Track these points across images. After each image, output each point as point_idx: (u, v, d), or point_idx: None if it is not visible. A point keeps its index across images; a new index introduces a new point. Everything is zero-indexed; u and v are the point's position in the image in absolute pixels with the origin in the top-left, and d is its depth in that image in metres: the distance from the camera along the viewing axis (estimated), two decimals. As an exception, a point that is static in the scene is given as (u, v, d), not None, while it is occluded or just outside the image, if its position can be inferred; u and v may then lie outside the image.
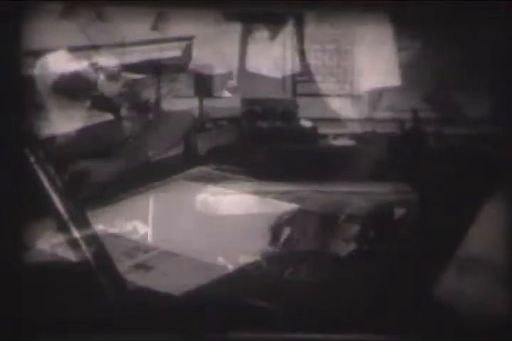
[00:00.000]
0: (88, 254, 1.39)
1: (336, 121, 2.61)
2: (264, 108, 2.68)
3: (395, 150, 2.25)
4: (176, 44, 2.71)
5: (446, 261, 1.35)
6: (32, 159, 1.33)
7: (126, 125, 2.45)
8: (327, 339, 1.42)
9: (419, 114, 2.35)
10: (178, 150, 2.54)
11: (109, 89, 2.46)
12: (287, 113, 2.67)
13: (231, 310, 1.49)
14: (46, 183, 1.37)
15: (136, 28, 2.48)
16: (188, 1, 1.92)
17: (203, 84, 2.65)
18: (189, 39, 2.72)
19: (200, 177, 2.42)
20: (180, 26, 2.54)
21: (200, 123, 2.64)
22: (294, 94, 2.72)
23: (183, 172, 2.43)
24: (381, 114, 2.52)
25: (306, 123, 2.69)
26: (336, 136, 2.64)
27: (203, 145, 2.58)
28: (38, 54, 2.15)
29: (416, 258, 1.53)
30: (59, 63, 2.28)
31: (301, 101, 2.68)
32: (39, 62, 2.21)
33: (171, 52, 2.66)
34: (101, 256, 1.42)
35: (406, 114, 2.40)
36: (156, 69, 2.60)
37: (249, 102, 2.69)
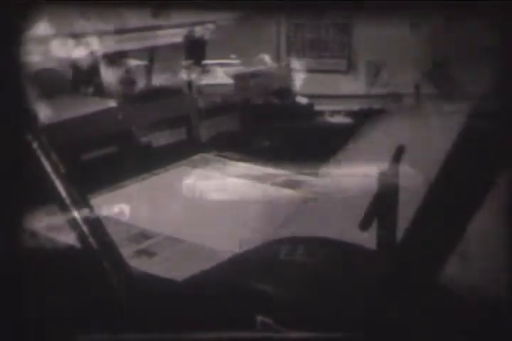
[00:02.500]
0: (91, 240, 1.39)
1: (332, 97, 2.55)
2: (258, 84, 2.59)
3: (391, 127, 2.19)
4: (177, 30, 2.70)
5: (451, 248, 1.33)
6: (35, 145, 1.33)
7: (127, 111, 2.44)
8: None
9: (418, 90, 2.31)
10: (180, 137, 2.53)
11: (111, 75, 2.46)
12: (282, 89, 2.58)
13: (232, 294, 1.49)
14: (49, 169, 1.37)
15: (137, 15, 2.48)
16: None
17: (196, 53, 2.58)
18: (190, 25, 2.72)
19: (201, 164, 2.42)
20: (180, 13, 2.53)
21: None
22: (290, 69, 2.62)
23: (185, 158, 2.43)
24: (379, 90, 2.46)
25: (302, 100, 2.62)
26: (333, 113, 2.58)
27: (205, 132, 2.57)
28: (40, 41, 2.14)
29: (420, 243, 1.50)
30: (60, 50, 2.28)
31: (297, 77, 2.60)
32: (41, 49, 2.21)
33: (172, 38, 2.66)
34: (104, 242, 1.42)
35: (404, 90, 2.36)
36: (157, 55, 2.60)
37: (242, 77, 2.61)
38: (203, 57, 2.69)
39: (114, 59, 2.48)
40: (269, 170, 2.26)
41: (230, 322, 1.45)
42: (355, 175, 2.00)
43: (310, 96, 2.60)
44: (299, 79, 2.57)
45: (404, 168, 1.61)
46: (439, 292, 1.32)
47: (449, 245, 1.17)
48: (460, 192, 1.15)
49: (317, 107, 2.60)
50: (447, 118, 1.93)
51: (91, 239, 1.40)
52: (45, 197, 1.63)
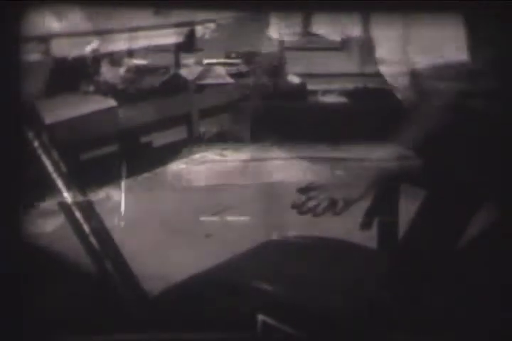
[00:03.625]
0: (92, 239, 1.39)
1: (325, 76, 2.43)
2: (248, 62, 2.50)
3: (388, 108, 2.11)
4: (178, 30, 2.70)
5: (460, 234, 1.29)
6: (36, 143, 1.33)
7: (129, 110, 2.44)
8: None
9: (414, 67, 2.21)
10: (181, 136, 2.53)
11: (113, 74, 2.46)
12: (274, 68, 2.47)
13: (234, 294, 1.49)
14: (50, 168, 1.37)
15: (139, 13, 2.47)
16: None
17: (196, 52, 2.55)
18: (192, 24, 2.72)
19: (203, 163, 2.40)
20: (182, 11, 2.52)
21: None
22: (281, 47, 2.48)
23: (186, 157, 2.42)
24: (373, 68, 2.34)
25: (294, 79, 2.53)
26: (326, 92, 2.47)
27: (206, 130, 2.56)
28: (42, 39, 2.14)
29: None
30: (62, 48, 2.28)
31: (289, 56, 2.48)
32: (43, 48, 2.21)
33: (174, 37, 2.66)
34: (105, 241, 1.42)
35: (400, 68, 2.23)
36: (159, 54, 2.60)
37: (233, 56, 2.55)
38: (204, 56, 2.69)
39: (115, 58, 2.48)
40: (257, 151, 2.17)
41: (231, 322, 1.46)
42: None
43: (302, 75, 2.50)
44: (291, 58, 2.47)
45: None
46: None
47: (448, 244, 1.18)
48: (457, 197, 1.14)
49: (310, 86, 2.50)
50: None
51: (92, 238, 1.40)
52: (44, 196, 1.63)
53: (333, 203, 1.82)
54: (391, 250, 1.38)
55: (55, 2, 1.67)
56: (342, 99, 2.37)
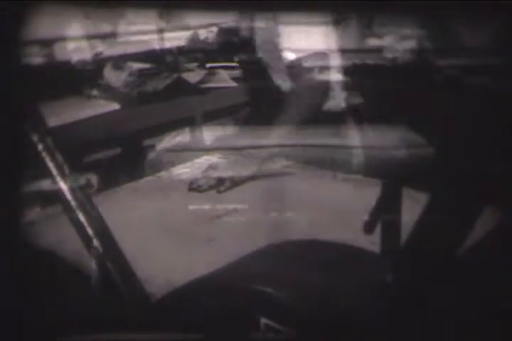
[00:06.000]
0: (95, 241, 1.40)
1: (321, 52, 2.26)
2: (242, 38, 2.39)
3: (388, 85, 2.02)
4: (181, 33, 2.71)
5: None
6: (40, 147, 1.34)
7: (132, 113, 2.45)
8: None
9: (413, 42, 2.00)
10: (184, 139, 2.53)
11: (115, 78, 2.47)
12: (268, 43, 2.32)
13: (237, 298, 1.49)
14: (54, 171, 1.37)
15: (142, 17, 2.49)
16: None
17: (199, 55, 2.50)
18: (194, 28, 2.73)
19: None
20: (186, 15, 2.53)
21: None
22: (275, 22, 2.33)
23: (190, 161, 2.42)
24: (371, 43, 2.16)
25: (290, 56, 2.40)
26: (322, 69, 2.35)
27: (208, 135, 2.56)
28: (45, 43, 2.15)
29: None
30: (65, 52, 2.29)
31: (283, 30, 2.34)
32: (45, 51, 2.22)
33: (177, 41, 2.67)
34: (108, 243, 1.42)
35: (399, 43, 2.02)
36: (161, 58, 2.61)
37: (226, 31, 2.51)
38: (207, 60, 2.70)
39: (119, 62, 2.48)
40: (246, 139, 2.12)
41: (233, 324, 1.46)
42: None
43: (298, 51, 2.37)
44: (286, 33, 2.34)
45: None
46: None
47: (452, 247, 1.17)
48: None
49: (306, 63, 2.36)
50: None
51: (95, 241, 1.40)
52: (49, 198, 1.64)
53: (220, 181, 1.88)
54: (394, 254, 1.38)
55: (55, 2, 1.67)
56: (340, 77, 2.27)
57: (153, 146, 2.46)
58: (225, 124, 2.59)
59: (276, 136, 1.98)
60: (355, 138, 1.88)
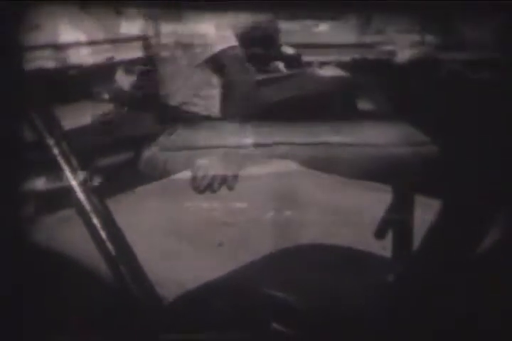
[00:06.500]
0: (109, 246, 1.41)
1: (321, 47, 2.29)
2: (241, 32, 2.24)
3: (389, 80, 1.96)
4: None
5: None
6: (56, 151, 1.36)
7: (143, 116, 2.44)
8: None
9: (415, 37, 2.02)
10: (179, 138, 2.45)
11: (127, 82, 2.48)
12: (267, 38, 2.32)
13: (248, 301, 1.50)
14: (69, 174, 1.39)
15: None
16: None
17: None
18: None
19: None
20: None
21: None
22: (275, 16, 2.30)
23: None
24: (371, 38, 2.16)
25: (289, 50, 2.38)
26: (322, 64, 2.33)
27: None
28: (58, 47, 2.16)
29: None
30: (78, 57, 2.31)
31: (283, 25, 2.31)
32: (58, 56, 2.23)
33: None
34: (122, 248, 1.44)
35: (399, 38, 2.05)
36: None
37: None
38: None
39: (130, 66, 2.50)
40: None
41: (243, 328, 1.46)
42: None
43: (297, 46, 2.34)
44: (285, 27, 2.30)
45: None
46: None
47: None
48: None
49: (305, 58, 2.35)
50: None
51: (109, 245, 1.42)
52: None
53: (223, 179, 1.87)
54: (405, 259, 1.38)
55: (55, 2, 1.68)
56: (339, 72, 2.25)
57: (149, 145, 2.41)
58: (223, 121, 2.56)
59: (276, 133, 1.98)
60: (356, 136, 1.84)
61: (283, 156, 2.00)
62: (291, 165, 2.05)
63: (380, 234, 1.43)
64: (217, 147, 2.04)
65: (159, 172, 2.01)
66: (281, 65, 2.52)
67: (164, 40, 2.21)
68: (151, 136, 2.26)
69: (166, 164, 2.03)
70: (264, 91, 2.51)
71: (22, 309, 1.48)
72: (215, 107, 2.22)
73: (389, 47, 2.09)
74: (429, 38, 1.93)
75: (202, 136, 2.17)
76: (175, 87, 2.18)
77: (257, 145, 2.01)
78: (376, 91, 2.02)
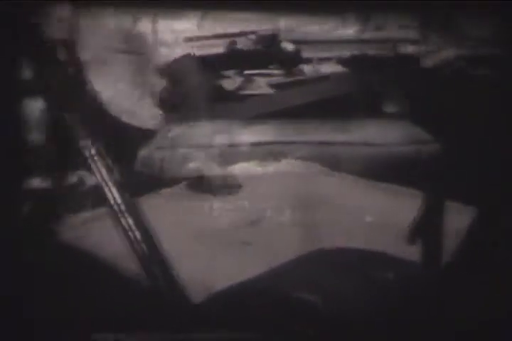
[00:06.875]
0: (142, 245, 1.43)
1: (321, 43, 2.23)
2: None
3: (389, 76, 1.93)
4: (219, 41, 2.74)
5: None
6: (93, 151, 1.38)
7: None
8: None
9: (414, 33, 1.98)
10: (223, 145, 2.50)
11: (157, 84, 2.50)
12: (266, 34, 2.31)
13: (277, 304, 1.50)
14: (104, 174, 1.41)
15: (182, 24, 2.51)
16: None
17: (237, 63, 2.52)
18: (233, 36, 2.75)
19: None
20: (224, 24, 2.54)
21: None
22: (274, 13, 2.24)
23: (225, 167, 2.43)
24: (371, 34, 2.12)
25: (288, 46, 2.37)
26: (322, 60, 2.32)
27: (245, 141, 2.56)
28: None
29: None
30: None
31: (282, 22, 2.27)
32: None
33: (216, 48, 2.69)
34: (153, 248, 1.46)
35: (399, 34, 2.02)
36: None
37: (264, 39, 2.37)
38: (245, 67, 2.72)
39: (159, 69, 2.51)
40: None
41: (271, 331, 1.47)
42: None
43: (296, 42, 2.30)
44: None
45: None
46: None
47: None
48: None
49: (304, 54, 2.33)
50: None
51: (142, 245, 1.44)
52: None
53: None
54: (435, 264, 1.39)
55: (55, 2, 1.70)
56: (339, 68, 2.22)
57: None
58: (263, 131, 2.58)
59: (278, 132, 1.96)
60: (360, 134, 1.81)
61: (281, 155, 1.99)
62: (314, 166, 2.05)
63: (411, 239, 1.43)
64: (214, 146, 2.03)
65: (156, 172, 1.98)
66: (306, 68, 2.54)
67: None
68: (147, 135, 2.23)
69: (162, 163, 2.00)
70: (285, 95, 2.53)
71: (49, 307, 1.50)
72: (154, 119, 2.15)
73: (389, 44, 2.07)
74: (428, 34, 1.91)
75: (199, 134, 2.16)
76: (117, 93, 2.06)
77: (255, 144, 2.01)
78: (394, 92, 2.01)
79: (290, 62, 2.33)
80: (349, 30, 2.13)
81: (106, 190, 1.41)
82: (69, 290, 1.61)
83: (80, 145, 1.41)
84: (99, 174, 1.40)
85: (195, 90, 2.02)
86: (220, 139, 2.05)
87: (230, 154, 2.12)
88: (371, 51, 2.10)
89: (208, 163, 2.11)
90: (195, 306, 1.52)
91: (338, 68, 2.22)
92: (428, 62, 1.91)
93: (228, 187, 2.29)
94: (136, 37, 1.97)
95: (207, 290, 1.62)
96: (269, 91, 2.73)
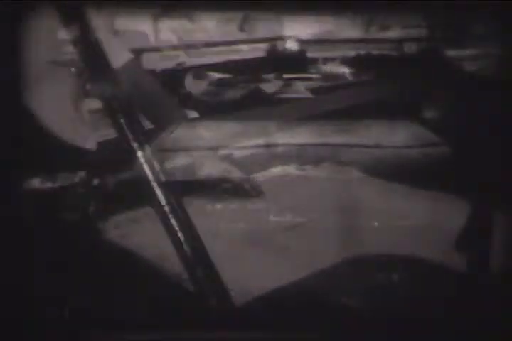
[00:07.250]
0: (186, 246, 1.44)
1: (326, 42, 2.25)
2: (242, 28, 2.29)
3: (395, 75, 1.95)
4: (260, 45, 2.76)
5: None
6: (140, 153, 1.40)
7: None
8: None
9: (418, 32, 1.98)
10: (258, 148, 2.53)
11: (196, 87, 2.52)
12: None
13: (321, 308, 1.50)
14: (150, 176, 1.43)
15: (223, 28, 2.54)
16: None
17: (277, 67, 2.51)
18: (272, 40, 2.77)
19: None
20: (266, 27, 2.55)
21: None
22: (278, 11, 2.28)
23: (264, 170, 2.44)
24: (376, 34, 2.12)
25: (294, 46, 2.38)
26: (326, 60, 2.33)
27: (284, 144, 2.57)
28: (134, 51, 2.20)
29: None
30: (151, 62, 2.36)
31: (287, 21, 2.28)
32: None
33: (256, 52, 2.71)
34: (197, 248, 1.47)
35: (404, 33, 2.02)
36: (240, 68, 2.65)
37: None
38: (284, 71, 2.73)
39: (199, 71, 2.54)
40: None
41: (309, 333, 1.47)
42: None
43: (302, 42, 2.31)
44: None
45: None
46: None
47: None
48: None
49: (310, 54, 2.33)
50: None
51: (185, 246, 1.45)
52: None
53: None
54: (482, 272, 1.37)
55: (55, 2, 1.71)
56: (344, 68, 2.21)
57: (230, 154, 2.48)
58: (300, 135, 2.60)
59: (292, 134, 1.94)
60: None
61: (321, 158, 1.97)
62: (353, 170, 2.04)
63: (461, 245, 1.41)
64: (218, 148, 2.03)
65: (191, 175, 1.99)
66: (346, 73, 2.54)
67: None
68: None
69: (163, 165, 2.00)
70: (321, 99, 2.53)
71: (94, 307, 1.52)
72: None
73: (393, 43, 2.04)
74: (431, 33, 1.89)
75: (201, 136, 2.17)
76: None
77: (295, 146, 1.99)
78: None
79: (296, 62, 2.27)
80: (354, 30, 2.12)
81: (152, 190, 1.42)
82: (112, 290, 1.63)
83: (130, 147, 1.43)
84: (147, 174, 1.42)
85: (154, 94, 1.99)
86: (258, 141, 2.04)
87: (269, 157, 2.13)
88: (376, 50, 2.08)
89: (245, 166, 2.12)
90: (236, 309, 1.52)
91: (342, 68, 2.20)
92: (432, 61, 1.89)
93: (266, 190, 2.30)
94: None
95: (249, 293, 1.63)
96: (308, 95, 2.74)
